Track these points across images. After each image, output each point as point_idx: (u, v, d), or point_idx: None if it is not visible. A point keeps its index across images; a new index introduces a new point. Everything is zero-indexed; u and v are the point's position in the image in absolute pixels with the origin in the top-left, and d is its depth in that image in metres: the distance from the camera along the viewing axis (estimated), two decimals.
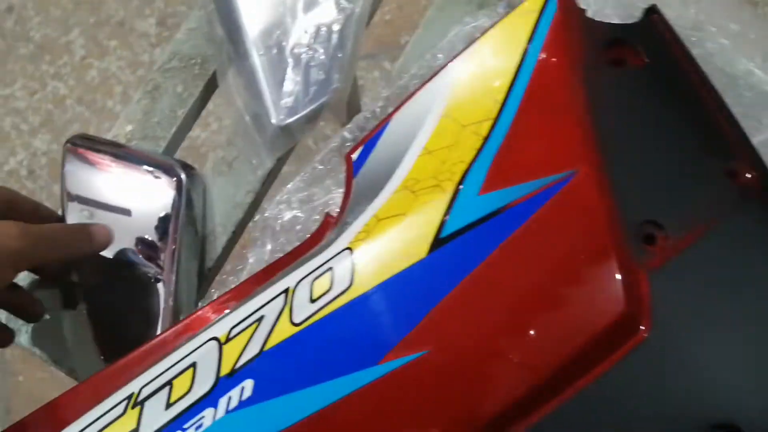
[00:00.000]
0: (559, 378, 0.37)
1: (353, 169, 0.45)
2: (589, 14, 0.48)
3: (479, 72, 0.45)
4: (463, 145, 0.43)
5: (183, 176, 0.49)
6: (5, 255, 0.38)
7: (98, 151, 0.50)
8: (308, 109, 0.51)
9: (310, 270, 0.40)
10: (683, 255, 0.40)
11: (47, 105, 1.25)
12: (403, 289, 0.38)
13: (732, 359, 0.38)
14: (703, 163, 0.42)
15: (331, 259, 0.40)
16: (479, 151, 0.42)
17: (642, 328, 0.37)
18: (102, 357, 0.46)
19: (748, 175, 0.42)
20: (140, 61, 1.27)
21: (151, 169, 0.49)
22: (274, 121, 0.51)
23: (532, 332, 0.37)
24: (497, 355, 0.37)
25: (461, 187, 0.40)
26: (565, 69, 0.43)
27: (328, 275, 0.39)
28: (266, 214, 0.49)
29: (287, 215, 0.48)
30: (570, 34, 0.45)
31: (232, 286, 0.47)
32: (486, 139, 0.42)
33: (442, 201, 0.40)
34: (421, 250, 0.39)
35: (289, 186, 0.48)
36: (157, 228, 0.49)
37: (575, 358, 0.37)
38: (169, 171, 0.49)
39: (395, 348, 0.37)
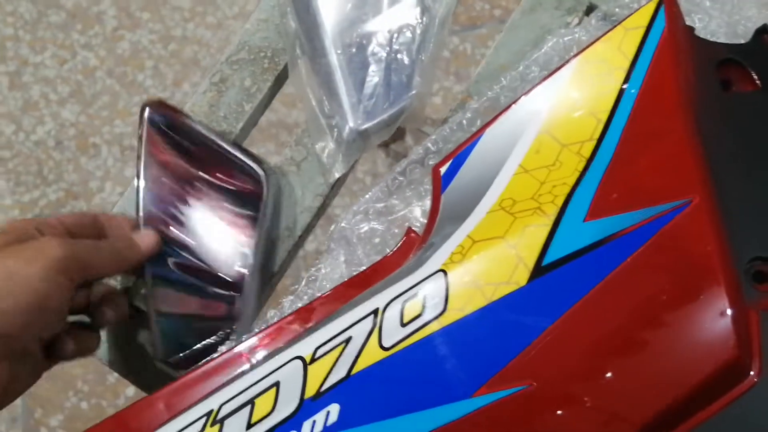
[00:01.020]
0: (667, 423, 0.35)
1: (441, 183, 0.43)
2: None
3: (581, 89, 0.42)
4: (566, 165, 0.40)
5: (267, 173, 0.47)
6: (51, 262, 0.38)
7: (181, 124, 0.47)
8: (387, 114, 0.48)
9: (401, 291, 0.37)
10: None
11: (77, 75, 1.22)
12: (501, 318, 0.36)
13: None
14: None
15: (423, 280, 0.37)
16: (583, 173, 0.40)
17: (752, 372, 0.35)
18: (167, 362, 0.44)
19: None
20: (172, 35, 1.24)
21: (239, 156, 0.47)
22: (351, 124, 0.48)
23: (634, 375, 0.36)
24: (599, 396, 0.35)
25: (565, 211, 0.38)
26: (673, 90, 0.41)
27: (420, 298, 0.37)
28: (342, 224, 0.46)
29: (364, 227, 0.45)
30: (679, 54, 0.42)
31: (301, 295, 0.45)
32: (590, 160, 0.40)
33: (544, 225, 0.38)
34: (521, 278, 0.37)
35: (367, 196, 0.45)
36: (238, 221, 0.47)
37: (683, 402, 0.35)
38: (257, 163, 0.47)
39: (490, 381, 0.35)
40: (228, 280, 0.46)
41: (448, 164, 0.43)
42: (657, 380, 0.35)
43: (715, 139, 0.41)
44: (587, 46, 0.44)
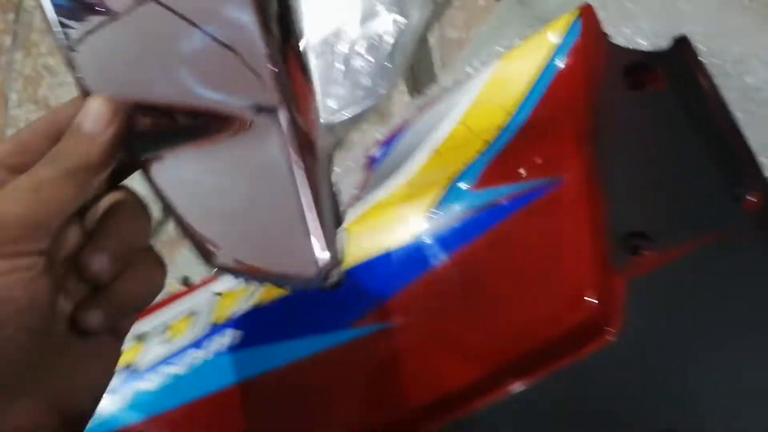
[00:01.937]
0: (520, 367, 0.39)
1: (371, 164, 0.49)
2: (622, 41, 0.50)
3: (498, 85, 0.48)
4: (469, 148, 0.46)
5: None
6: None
7: None
8: (351, 113, 0.55)
9: None
10: (666, 268, 0.41)
11: None
12: (383, 267, 0.42)
13: (699, 376, 0.39)
14: (704, 182, 0.44)
15: None
16: (481, 153, 0.45)
17: (612, 331, 0.39)
18: None
19: (753, 199, 0.43)
20: None
21: None
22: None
23: (499, 321, 0.40)
24: (459, 338, 0.39)
25: (455, 183, 0.43)
26: (577, 86, 0.46)
27: None
28: None
29: None
30: (589, 57, 0.47)
31: None
32: (490, 144, 0.45)
33: (435, 194, 0.43)
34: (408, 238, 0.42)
35: None
36: None
37: (540, 349, 0.39)
38: None
39: (367, 316, 0.40)
40: None
41: (379, 149, 0.50)
42: (517, 327, 0.39)
43: (614, 131, 0.45)
44: (507, 52, 0.49)
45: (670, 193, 0.43)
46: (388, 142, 0.49)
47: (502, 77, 0.48)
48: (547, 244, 0.41)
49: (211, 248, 0.31)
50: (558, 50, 0.47)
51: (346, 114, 0.56)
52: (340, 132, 0.56)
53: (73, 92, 0.31)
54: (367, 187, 0.47)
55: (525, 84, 0.47)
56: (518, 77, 0.48)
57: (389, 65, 0.57)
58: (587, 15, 0.48)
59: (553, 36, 0.48)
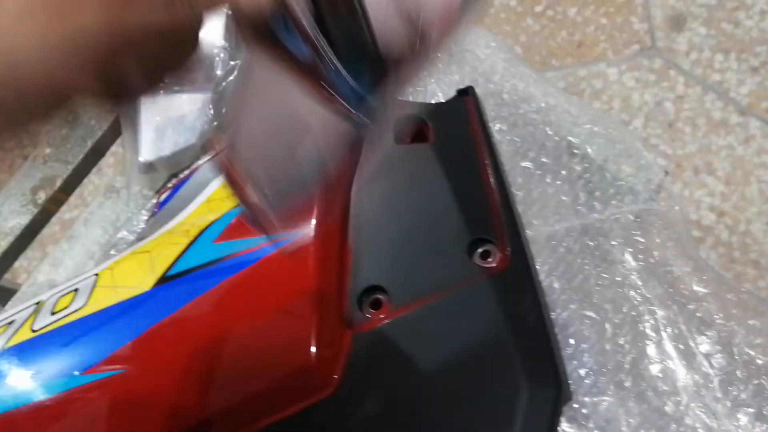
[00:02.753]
0: (244, 419, 0.41)
1: (157, 208, 0.51)
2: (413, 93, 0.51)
3: None
4: (233, 199, 0.47)
5: None
6: None
7: None
8: (171, 152, 0.57)
9: (62, 288, 0.46)
10: (395, 322, 0.42)
11: None
12: (122, 314, 0.43)
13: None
14: (449, 240, 0.44)
15: (81, 281, 0.46)
16: (237, 205, 0.46)
17: (332, 382, 0.40)
18: None
19: (500, 257, 0.43)
20: None
21: None
22: (140, 158, 0.58)
23: (225, 372, 0.41)
24: (181, 391, 0.41)
25: (203, 234, 0.45)
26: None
27: (71, 294, 0.45)
28: (119, 235, 0.56)
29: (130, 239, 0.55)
30: None
31: None
32: None
33: (182, 244, 0.45)
34: (147, 284, 0.44)
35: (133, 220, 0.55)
36: None
37: (263, 399, 0.40)
38: None
39: (100, 363, 0.42)
40: None
41: (167, 193, 0.52)
42: (242, 374, 0.41)
43: (372, 186, 0.46)
44: None
45: (414, 248, 0.44)
46: (176, 186, 0.51)
47: None
48: (276, 297, 0.42)
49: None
50: None
51: (165, 153, 0.58)
52: (162, 169, 0.58)
53: None
54: (142, 232, 0.49)
55: None
56: None
57: (217, 106, 0.59)
58: None
59: None
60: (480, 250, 0.44)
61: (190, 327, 0.42)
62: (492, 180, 0.46)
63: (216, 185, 0.49)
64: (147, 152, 0.58)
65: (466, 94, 0.49)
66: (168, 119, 0.58)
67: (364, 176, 0.46)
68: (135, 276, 0.44)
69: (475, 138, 0.48)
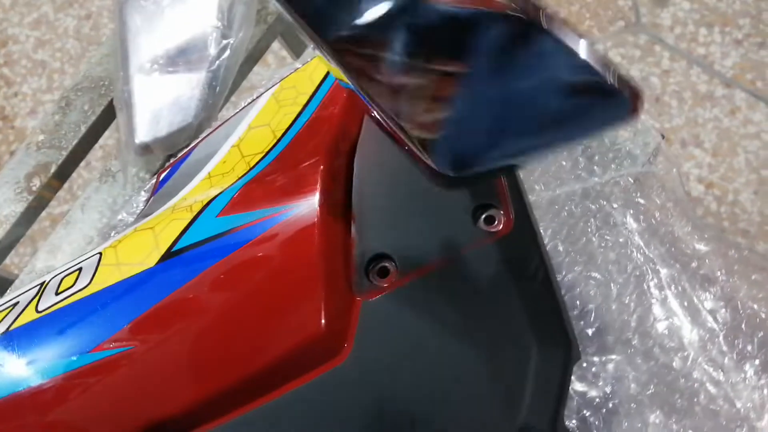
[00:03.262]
0: (257, 387, 0.40)
1: (158, 186, 0.51)
2: None
3: (272, 110, 0.49)
4: (235, 173, 0.47)
5: None
6: None
7: None
8: (167, 132, 0.57)
9: (66, 267, 0.46)
10: (402, 288, 0.42)
11: None
12: (127, 292, 0.43)
13: (427, 390, 0.40)
14: (452, 206, 0.44)
15: (84, 260, 0.45)
16: (239, 178, 0.46)
17: (344, 351, 0.40)
18: None
19: (504, 221, 0.44)
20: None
21: None
22: (136, 140, 0.57)
23: (236, 342, 0.41)
24: (196, 359, 0.41)
25: (206, 208, 0.45)
26: (337, 115, 0.47)
27: (75, 274, 0.45)
28: (118, 217, 0.56)
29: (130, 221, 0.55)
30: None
31: None
32: (251, 169, 0.46)
33: (185, 219, 0.45)
34: (152, 260, 0.44)
35: (132, 200, 0.54)
36: None
37: (274, 368, 0.40)
38: None
39: (107, 341, 0.42)
40: None
41: (167, 170, 0.51)
42: (254, 348, 0.41)
43: (372, 157, 0.46)
44: (288, 74, 0.50)
45: (418, 215, 0.44)
46: (176, 164, 0.51)
47: (277, 101, 0.49)
48: (283, 269, 0.42)
49: None
50: (328, 75, 0.48)
51: (161, 134, 0.57)
52: (159, 151, 0.57)
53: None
54: (145, 209, 0.49)
55: (295, 108, 0.48)
56: (291, 101, 0.49)
57: (213, 83, 0.59)
58: None
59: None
60: (485, 215, 0.44)
61: (197, 302, 0.42)
62: None
63: (216, 161, 0.49)
64: (143, 134, 0.57)
65: None
66: (163, 100, 0.58)
67: (364, 145, 0.46)
68: (139, 253, 0.44)
69: None
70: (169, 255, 0.43)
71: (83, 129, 0.62)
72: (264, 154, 0.46)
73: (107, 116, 0.64)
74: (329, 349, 0.41)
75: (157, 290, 0.43)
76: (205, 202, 0.45)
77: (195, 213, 0.44)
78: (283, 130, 0.47)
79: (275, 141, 0.47)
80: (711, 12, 1.26)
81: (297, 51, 0.70)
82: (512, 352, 0.41)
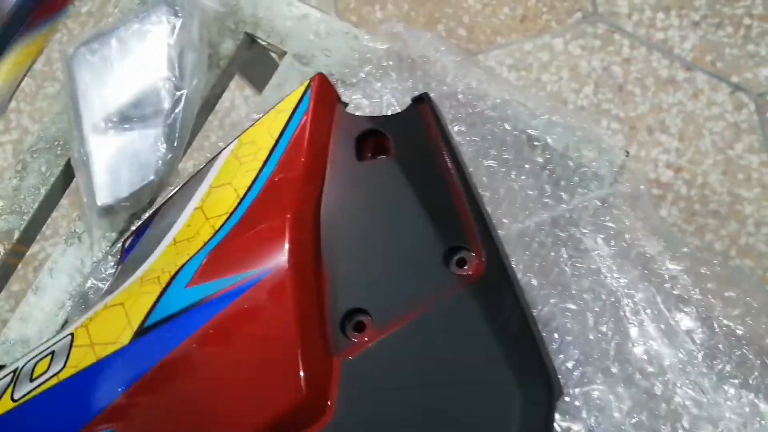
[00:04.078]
0: None
1: (124, 254, 0.50)
2: (369, 104, 0.50)
3: (233, 167, 0.48)
4: (200, 237, 0.47)
5: None
6: None
7: None
8: (129, 192, 0.56)
9: (39, 352, 0.45)
10: (381, 343, 0.42)
11: None
12: (103, 373, 0.43)
13: None
14: (423, 252, 0.44)
15: (56, 343, 0.45)
16: (204, 244, 0.46)
17: (330, 406, 0.40)
18: None
19: (476, 263, 0.43)
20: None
21: None
22: (98, 202, 0.56)
23: (215, 415, 0.41)
24: None
25: (175, 279, 0.44)
26: (300, 167, 0.46)
27: (48, 358, 0.44)
28: (87, 284, 0.55)
29: (100, 287, 0.54)
30: (315, 132, 0.47)
31: None
32: (216, 233, 0.46)
33: (155, 293, 0.44)
34: (125, 338, 0.43)
35: (100, 267, 0.53)
36: None
37: None
38: None
39: (87, 425, 0.42)
40: None
41: (132, 237, 0.50)
42: (233, 419, 0.40)
43: (339, 207, 0.45)
44: (246, 128, 0.50)
45: (389, 265, 0.44)
46: (140, 230, 0.50)
47: (239, 156, 0.49)
48: (258, 336, 0.42)
49: None
50: (287, 127, 0.48)
51: (123, 194, 0.56)
52: (122, 212, 0.56)
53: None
54: (112, 281, 0.48)
55: (255, 165, 0.47)
56: (251, 157, 0.48)
57: (171, 138, 0.58)
58: (318, 86, 0.48)
59: (284, 111, 0.48)
60: (456, 257, 0.44)
61: (174, 376, 0.42)
62: (459, 185, 0.46)
63: (180, 225, 0.48)
64: (104, 195, 0.56)
65: (421, 101, 0.49)
66: (121, 159, 0.57)
67: (329, 197, 0.46)
68: (111, 331, 0.44)
69: (435, 145, 0.47)
70: (142, 331, 0.43)
71: (43, 191, 0.61)
72: (228, 215, 0.46)
73: (66, 177, 0.63)
74: (312, 412, 0.40)
75: (134, 368, 0.42)
76: (172, 273, 0.44)
77: (163, 285, 0.44)
78: (245, 189, 0.47)
79: (238, 201, 0.46)
80: None
81: (258, 86, 0.69)
82: (496, 397, 0.40)
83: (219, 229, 0.45)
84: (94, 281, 0.54)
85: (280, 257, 0.42)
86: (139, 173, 0.57)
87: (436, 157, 0.47)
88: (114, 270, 0.51)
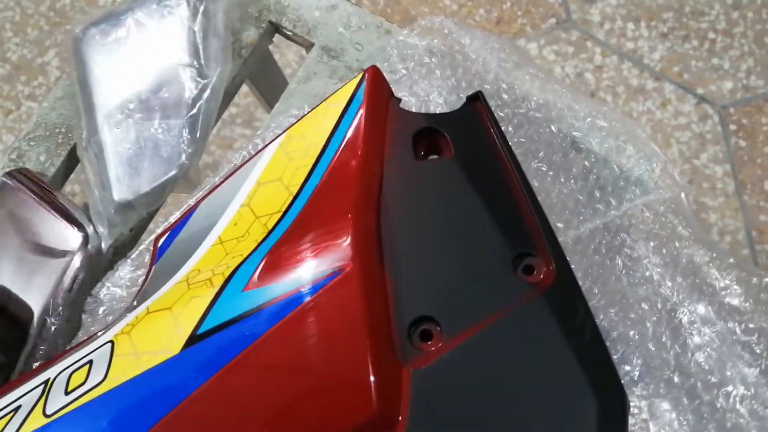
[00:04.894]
0: None
1: (157, 254, 0.46)
2: (416, 102, 0.48)
3: (281, 163, 0.45)
4: (251, 237, 0.43)
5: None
6: None
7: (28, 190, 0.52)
8: (150, 187, 0.52)
9: (73, 362, 0.41)
10: (453, 353, 0.40)
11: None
12: (151, 386, 0.39)
13: None
14: (491, 259, 0.42)
15: (93, 351, 0.41)
16: (259, 244, 0.42)
17: (401, 421, 0.38)
18: None
19: (544, 269, 0.42)
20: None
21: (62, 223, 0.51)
22: (116, 197, 0.52)
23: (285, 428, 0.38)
24: None
25: (229, 282, 0.41)
26: (358, 166, 0.43)
27: (85, 368, 0.40)
28: (100, 294, 0.50)
29: (119, 294, 0.49)
30: (372, 129, 0.45)
31: None
32: (270, 232, 0.43)
33: (207, 296, 0.41)
34: (176, 346, 0.39)
35: (119, 272, 0.49)
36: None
37: None
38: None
39: None
40: None
41: (166, 235, 0.47)
42: None
43: (400, 209, 0.43)
44: (295, 122, 0.47)
45: (456, 272, 0.42)
46: (175, 228, 0.46)
47: (286, 153, 0.46)
48: (326, 346, 0.39)
49: None
50: (341, 124, 0.45)
51: (144, 190, 0.52)
52: (141, 208, 0.52)
53: None
54: (151, 280, 0.44)
55: (308, 160, 0.45)
56: (302, 153, 0.45)
57: (194, 130, 0.54)
58: (372, 79, 0.46)
59: (337, 105, 0.46)
60: (523, 264, 0.42)
61: (235, 391, 0.38)
62: (522, 189, 0.44)
63: (225, 223, 0.45)
64: (122, 190, 0.52)
65: (476, 99, 0.47)
66: (140, 150, 0.53)
67: (388, 198, 0.43)
68: (159, 338, 0.40)
69: (494, 146, 0.46)
70: (194, 339, 0.39)
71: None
72: (282, 213, 0.43)
73: (68, 167, 0.58)
74: (382, 427, 0.38)
75: (187, 380, 0.39)
76: (226, 275, 0.41)
77: (217, 288, 0.40)
78: (298, 186, 0.44)
79: (291, 198, 0.43)
80: (637, 6, 1.28)
81: (270, 100, 0.66)
82: (573, 408, 0.39)
83: (273, 228, 0.42)
84: (111, 286, 0.49)
85: (345, 259, 0.40)
86: (161, 167, 0.53)
87: (496, 159, 0.45)
88: (145, 272, 0.47)
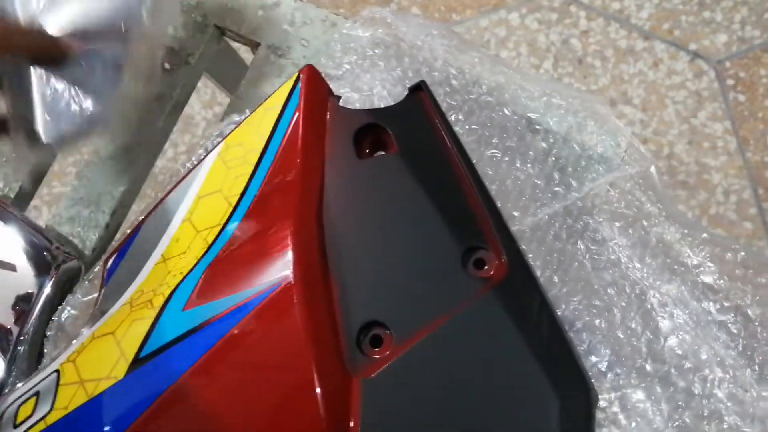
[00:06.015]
0: None
1: (107, 275, 0.45)
2: (359, 98, 0.46)
3: (221, 173, 0.44)
4: (191, 253, 0.42)
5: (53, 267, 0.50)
6: None
7: None
8: (73, 126, 0.47)
9: (21, 393, 0.40)
10: (404, 357, 0.38)
11: None
12: (96, 413, 0.38)
13: None
14: (440, 256, 0.41)
15: (40, 382, 0.40)
16: (198, 261, 0.41)
17: (353, 428, 0.36)
18: None
19: (496, 263, 0.40)
20: None
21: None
22: (43, 137, 0.48)
23: None
24: None
25: (169, 302, 0.40)
26: (297, 171, 0.42)
27: (33, 400, 0.39)
28: (64, 315, 0.49)
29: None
30: (309, 131, 0.43)
31: None
32: (209, 247, 0.41)
33: (149, 318, 0.40)
34: (120, 371, 0.39)
35: (77, 294, 0.48)
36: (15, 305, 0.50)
37: None
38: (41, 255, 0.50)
39: None
40: None
41: (114, 256, 0.45)
42: None
43: (343, 211, 0.41)
44: (233, 130, 0.45)
45: (404, 272, 0.40)
46: (122, 248, 0.45)
47: (226, 160, 0.44)
48: (268, 362, 0.38)
49: None
50: (278, 126, 0.43)
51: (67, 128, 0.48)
52: (66, 147, 0.48)
53: None
54: (98, 306, 0.43)
55: (245, 169, 0.43)
56: (240, 161, 0.44)
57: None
58: (308, 80, 0.44)
59: (273, 109, 0.44)
60: (473, 258, 0.40)
61: (177, 412, 0.37)
62: (469, 179, 0.42)
63: (168, 240, 0.43)
64: (47, 129, 0.47)
65: (419, 89, 0.45)
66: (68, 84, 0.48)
67: (330, 201, 0.42)
68: (103, 364, 0.39)
69: (439, 137, 0.44)
70: (138, 362, 0.38)
71: None
72: (221, 226, 0.42)
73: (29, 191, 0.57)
74: None
75: (132, 405, 0.38)
76: (166, 294, 0.40)
77: (158, 308, 0.39)
78: (237, 196, 0.42)
79: (231, 210, 0.42)
80: None
81: (230, 87, 0.64)
82: (533, 408, 0.38)
83: (213, 242, 0.41)
84: (71, 310, 0.49)
85: (285, 270, 0.38)
86: (84, 107, 0.47)
87: (441, 150, 0.43)
88: (97, 295, 0.46)
